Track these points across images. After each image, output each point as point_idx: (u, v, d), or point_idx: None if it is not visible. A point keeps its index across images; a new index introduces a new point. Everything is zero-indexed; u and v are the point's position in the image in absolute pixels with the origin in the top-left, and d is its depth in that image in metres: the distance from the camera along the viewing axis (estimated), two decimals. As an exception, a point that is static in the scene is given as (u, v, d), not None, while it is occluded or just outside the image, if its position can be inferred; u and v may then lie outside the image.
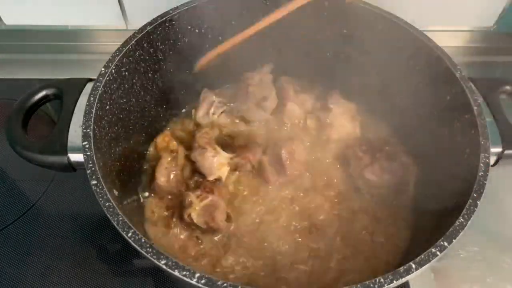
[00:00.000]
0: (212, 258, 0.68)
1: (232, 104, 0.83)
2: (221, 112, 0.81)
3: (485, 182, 0.55)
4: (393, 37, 0.72)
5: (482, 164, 0.56)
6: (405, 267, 0.47)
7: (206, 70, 0.79)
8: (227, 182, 0.75)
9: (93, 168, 0.55)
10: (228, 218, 0.70)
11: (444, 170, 0.65)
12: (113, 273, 0.73)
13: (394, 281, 0.46)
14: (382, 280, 0.46)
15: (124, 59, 0.67)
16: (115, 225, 0.50)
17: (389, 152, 0.74)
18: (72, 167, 0.61)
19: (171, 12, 0.72)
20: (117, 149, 0.67)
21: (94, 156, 0.56)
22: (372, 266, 0.67)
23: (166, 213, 0.72)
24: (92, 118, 0.59)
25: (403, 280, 0.47)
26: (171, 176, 0.73)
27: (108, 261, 0.75)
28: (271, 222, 0.71)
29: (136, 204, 0.73)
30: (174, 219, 0.71)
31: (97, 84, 0.62)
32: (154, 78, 0.75)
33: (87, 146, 0.56)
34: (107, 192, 0.53)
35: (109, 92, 0.64)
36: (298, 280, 0.65)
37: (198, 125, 0.82)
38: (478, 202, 0.53)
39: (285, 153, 0.73)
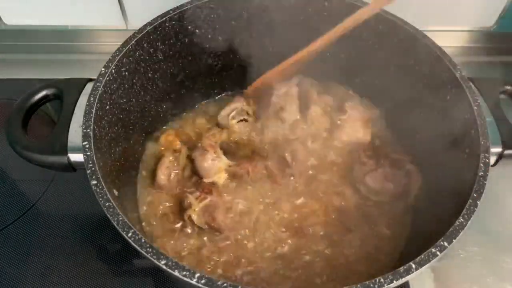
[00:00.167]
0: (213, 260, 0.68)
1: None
2: (241, 120, 0.80)
3: (485, 182, 0.55)
4: (393, 37, 0.72)
5: (482, 164, 0.56)
6: (405, 267, 0.47)
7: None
8: (223, 190, 0.74)
9: (93, 168, 0.55)
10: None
11: (444, 170, 0.65)
12: (113, 273, 0.73)
13: (394, 281, 0.46)
14: (382, 280, 0.46)
15: (124, 59, 0.67)
16: (115, 225, 0.50)
17: (394, 160, 0.73)
18: (72, 167, 0.61)
19: (171, 12, 0.71)
20: (117, 149, 0.67)
21: (94, 156, 0.56)
22: (371, 266, 0.67)
23: (166, 212, 0.72)
24: (92, 118, 0.59)
25: (403, 280, 0.47)
26: (172, 175, 0.73)
27: (108, 261, 0.75)
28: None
29: (135, 203, 0.73)
30: (173, 219, 0.71)
31: (97, 84, 0.62)
32: (154, 78, 0.75)
33: (87, 146, 0.56)
34: (107, 192, 0.53)
35: (109, 92, 0.64)
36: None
37: (214, 124, 0.82)
38: (478, 202, 0.53)
39: (289, 155, 0.73)
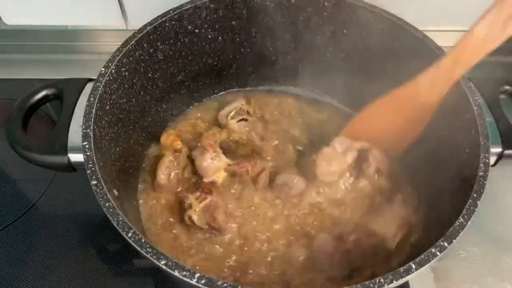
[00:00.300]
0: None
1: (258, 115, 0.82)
2: (241, 119, 0.80)
3: (485, 182, 0.55)
4: (393, 37, 0.72)
5: (482, 164, 0.56)
6: (405, 267, 0.47)
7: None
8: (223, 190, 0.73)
9: (93, 168, 0.55)
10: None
11: (444, 170, 0.65)
12: (113, 273, 0.73)
13: (394, 281, 0.46)
14: (382, 280, 0.46)
15: (124, 59, 0.67)
16: (115, 225, 0.50)
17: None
18: (72, 167, 0.61)
19: (171, 12, 0.71)
20: (117, 149, 0.67)
21: (94, 156, 0.56)
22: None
23: (166, 212, 0.72)
24: (92, 118, 0.59)
25: (403, 280, 0.47)
26: (172, 175, 0.73)
27: (108, 261, 0.75)
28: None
29: (135, 203, 0.73)
30: (173, 219, 0.71)
31: (97, 84, 0.62)
32: (154, 78, 0.75)
33: (87, 146, 0.56)
34: (107, 192, 0.53)
35: (109, 92, 0.64)
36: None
37: (215, 124, 0.82)
38: (478, 202, 0.53)
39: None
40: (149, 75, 0.74)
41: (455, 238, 0.50)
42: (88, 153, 0.56)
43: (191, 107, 0.86)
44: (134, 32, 0.69)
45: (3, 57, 1.04)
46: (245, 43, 0.82)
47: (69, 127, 0.62)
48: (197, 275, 0.46)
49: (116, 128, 0.67)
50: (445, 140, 0.66)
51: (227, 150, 0.77)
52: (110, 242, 0.76)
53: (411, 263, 0.48)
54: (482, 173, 0.55)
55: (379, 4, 0.73)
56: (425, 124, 0.68)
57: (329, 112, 0.86)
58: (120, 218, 0.51)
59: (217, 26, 0.77)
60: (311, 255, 0.67)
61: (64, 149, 0.60)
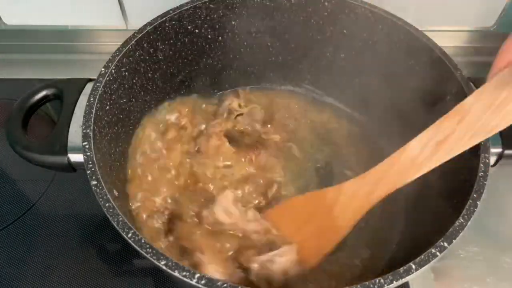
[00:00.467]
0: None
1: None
2: (238, 115, 0.80)
3: (485, 182, 0.55)
4: (393, 37, 0.72)
5: (482, 164, 0.56)
6: (405, 267, 0.47)
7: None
8: None
9: (93, 169, 0.55)
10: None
11: (443, 170, 0.65)
12: (113, 273, 0.73)
13: (394, 282, 0.46)
14: (382, 280, 0.46)
15: (124, 59, 0.67)
16: (115, 225, 0.50)
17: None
18: (72, 167, 0.61)
19: (171, 12, 0.71)
20: (117, 149, 0.67)
21: (94, 157, 0.56)
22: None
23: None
24: (92, 118, 0.59)
25: (403, 280, 0.47)
26: None
27: (108, 261, 0.75)
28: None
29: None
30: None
31: (97, 84, 0.62)
32: (154, 78, 0.75)
33: (87, 146, 0.56)
34: (107, 193, 0.53)
35: (109, 92, 0.64)
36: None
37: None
38: (478, 202, 0.53)
39: None
40: (149, 75, 0.74)
41: (455, 238, 0.50)
42: (88, 153, 0.56)
43: (191, 107, 0.86)
44: (134, 32, 0.69)
45: (3, 57, 1.04)
46: (245, 43, 0.82)
47: (69, 127, 0.62)
48: (197, 275, 0.46)
49: (116, 128, 0.67)
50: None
51: (232, 139, 0.77)
52: (110, 242, 0.76)
53: (411, 264, 0.48)
54: (482, 173, 0.55)
55: (379, 4, 0.73)
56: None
57: (330, 113, 0.86)
58: (120, 218, 0.51)
59: (217, 26, 0.77)
60: None
61: (64, 149, 0.60)
